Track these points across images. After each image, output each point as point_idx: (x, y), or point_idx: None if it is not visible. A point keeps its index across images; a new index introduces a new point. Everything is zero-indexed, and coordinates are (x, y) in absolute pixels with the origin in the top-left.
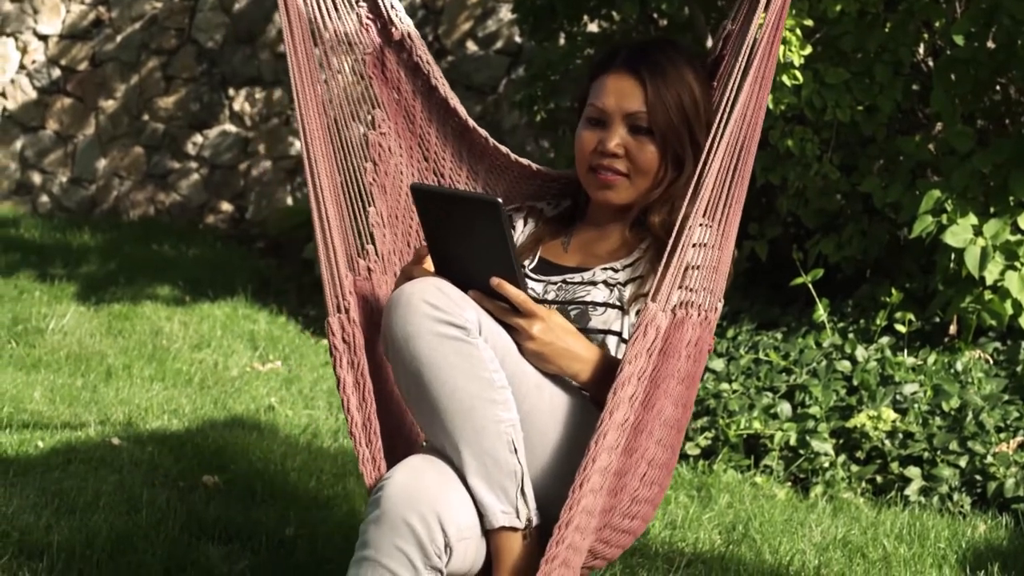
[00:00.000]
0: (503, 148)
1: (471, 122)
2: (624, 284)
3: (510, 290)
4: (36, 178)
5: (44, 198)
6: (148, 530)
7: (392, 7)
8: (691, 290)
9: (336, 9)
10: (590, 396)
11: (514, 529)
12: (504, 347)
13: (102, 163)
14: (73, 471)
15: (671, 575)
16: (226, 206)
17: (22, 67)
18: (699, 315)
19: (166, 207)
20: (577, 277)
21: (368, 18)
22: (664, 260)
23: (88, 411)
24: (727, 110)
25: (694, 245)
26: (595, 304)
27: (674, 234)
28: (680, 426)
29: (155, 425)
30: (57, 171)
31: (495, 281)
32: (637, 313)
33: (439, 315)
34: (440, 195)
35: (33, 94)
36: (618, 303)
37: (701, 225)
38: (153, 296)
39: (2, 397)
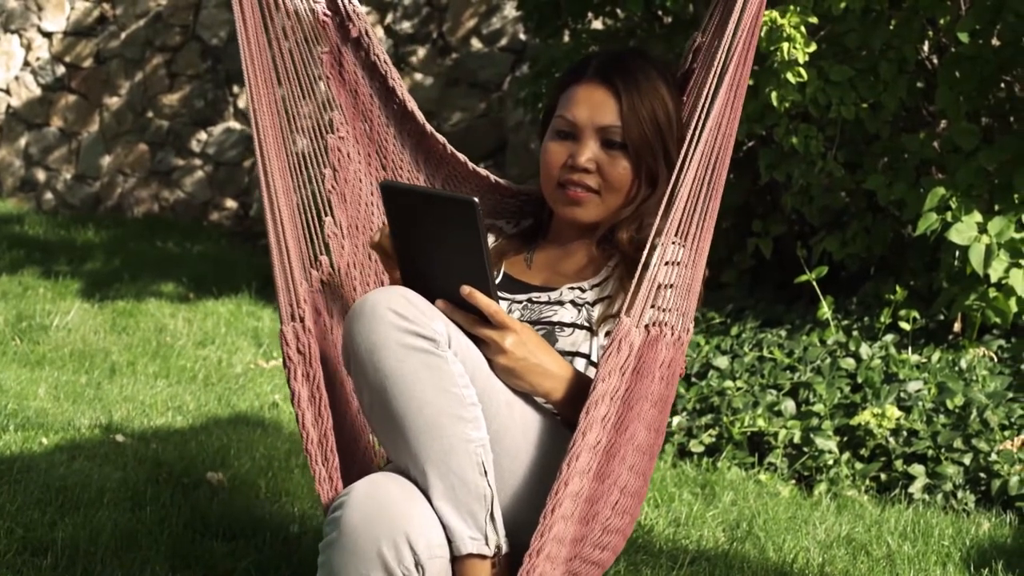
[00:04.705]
0: (461, 156)
1: (428, 127)
2: (592, 304)
3: (482, 300)
4: (40, 175)
5: (48, 195)
6: (152, 527)
7: (350, 2)
8: (664, 310)
9: (291, 3)
10: (562, 418)
11: (482, 556)
12: (474, 362)
13: (106, 160)
14: (77, 468)
15: (675, 572)
16: (230, 203)
17: (26, 64)
18: (672, 335)
19: (170, 204)
20: (543, 296)
21: (326, 14)
22: (637, 275)
23: (92, 408)
24: (700, 123)
25: (667, 263)
26: (562, 324)
27: (647, 249)
28: (652, 452)
29: (159, 422)
30: (61, 168)
31: (466, 290)
32: (607, 335)
33: (406, 325)
34: (411, 193)
35: (37, 91)
36: (586, 324)
37: (673, 243)
38: (157, 293)
39: (6, 394)
